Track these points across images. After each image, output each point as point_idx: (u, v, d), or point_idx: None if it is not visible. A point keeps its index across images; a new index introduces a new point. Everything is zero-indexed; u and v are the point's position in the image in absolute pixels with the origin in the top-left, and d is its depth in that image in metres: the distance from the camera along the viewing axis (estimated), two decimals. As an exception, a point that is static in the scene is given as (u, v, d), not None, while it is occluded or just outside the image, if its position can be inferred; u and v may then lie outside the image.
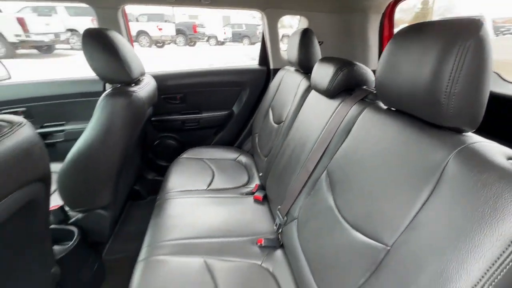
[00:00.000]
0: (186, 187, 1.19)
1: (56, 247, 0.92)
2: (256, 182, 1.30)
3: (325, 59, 0.98)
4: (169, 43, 11.31)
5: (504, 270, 0.33)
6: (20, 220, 0.59)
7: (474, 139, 0.46)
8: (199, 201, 1.11)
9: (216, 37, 12.71)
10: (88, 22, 7.67)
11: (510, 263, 0.33)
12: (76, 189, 1.00)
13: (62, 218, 1.03)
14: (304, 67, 1.21)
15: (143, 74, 1.16)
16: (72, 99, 1.43)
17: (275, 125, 1.30)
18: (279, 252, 0.90)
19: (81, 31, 0.96)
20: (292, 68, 1.39)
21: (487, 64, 0.44)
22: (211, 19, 13.35)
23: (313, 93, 1.07)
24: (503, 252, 0.33)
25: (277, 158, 1.15)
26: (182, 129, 1.67)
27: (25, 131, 0.54)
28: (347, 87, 0.89)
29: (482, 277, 0.34)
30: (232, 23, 13.39)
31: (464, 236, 0.37)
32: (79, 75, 1.49)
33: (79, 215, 1.04)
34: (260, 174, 1.31)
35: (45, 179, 0.62)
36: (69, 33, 8.03)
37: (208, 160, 1.44)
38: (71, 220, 1.03)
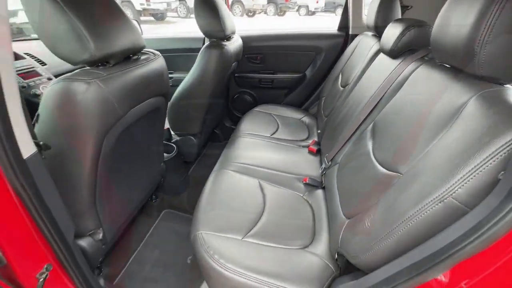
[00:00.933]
0: (253, 131, 1.44)
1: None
2: (314, 138, 1.44)
3: (398, 20, 0.98)
4: (259, 13, 11.51)
5: (473, 177, 0.42)
6: (150, 120, 0.94)
7: (502, 86, 0.50)
8: (262, 142, 1.35)
9: (307, 7, 12.12)
10: (193, -10, 8.56)
11: (479, 173, 0.41)
12: (177, 117, 1.38)
13: (167, 137, 1.45)
14: (380, 31, 1.20)
15: (233, 32, 1.41)
16: (179, 53, 1.82)
17: (341, 88, 1.37)
18: (319, 191, 1.06)
19: (188, 1, 1.26)
20: (370, 33, 1.39)
21: None
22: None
23: (380, 55, 1.09)
24: (476, 165, 0.41)
25: (334, 116, 1.25)
26: (258, 87, 1.90)
27: (161, 60, 0.84)
28: (412, 47, 0.90)
29: (456, 182, 0.43)
30: (328, -10, 12.42)
31: (454, 155, 0.46)
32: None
33: (178, 138, 1.44)
34: (319, 131, 1.44)
35: (166, 96, 0.95)
36: (177, 2, 9.18)
37: (275, 115, 1.64)
38: (173, 140, 1.44)
